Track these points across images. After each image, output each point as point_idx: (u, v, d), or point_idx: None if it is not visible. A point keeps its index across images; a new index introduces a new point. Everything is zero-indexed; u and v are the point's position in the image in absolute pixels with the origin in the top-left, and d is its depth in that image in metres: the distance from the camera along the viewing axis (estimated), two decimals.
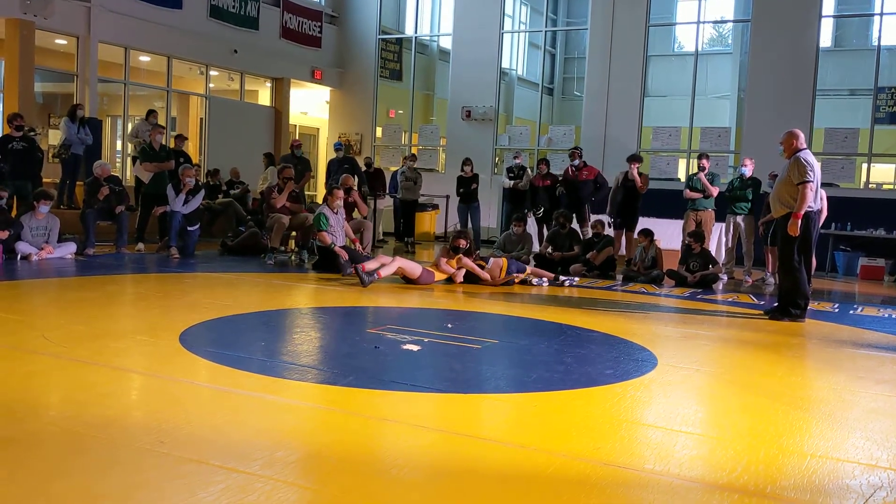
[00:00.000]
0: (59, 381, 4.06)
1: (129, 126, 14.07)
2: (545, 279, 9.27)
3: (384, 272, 8.19)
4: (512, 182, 12.66)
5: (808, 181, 6.90)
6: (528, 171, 12.94)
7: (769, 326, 6.96)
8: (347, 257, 8.98)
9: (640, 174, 11.20)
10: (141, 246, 10.56)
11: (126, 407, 3.67)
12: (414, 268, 8.42)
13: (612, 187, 11.48)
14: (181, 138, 12.87)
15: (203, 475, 2.78)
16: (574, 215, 11.37)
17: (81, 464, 2.84)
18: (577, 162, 12.02)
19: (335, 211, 9.37)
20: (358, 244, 9.57)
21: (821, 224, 10.06)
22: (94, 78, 13.42)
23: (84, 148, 12.01)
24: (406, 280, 8.46)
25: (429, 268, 8.57)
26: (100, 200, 10.03)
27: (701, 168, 10.95)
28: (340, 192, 9.53)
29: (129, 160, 14.18)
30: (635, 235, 10.88)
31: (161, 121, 13.96)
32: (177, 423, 3.37)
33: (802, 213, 6.93)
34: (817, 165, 7.19)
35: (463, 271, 8.73)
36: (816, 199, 7.10)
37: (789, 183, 7.02)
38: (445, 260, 8.66)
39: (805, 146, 7.18)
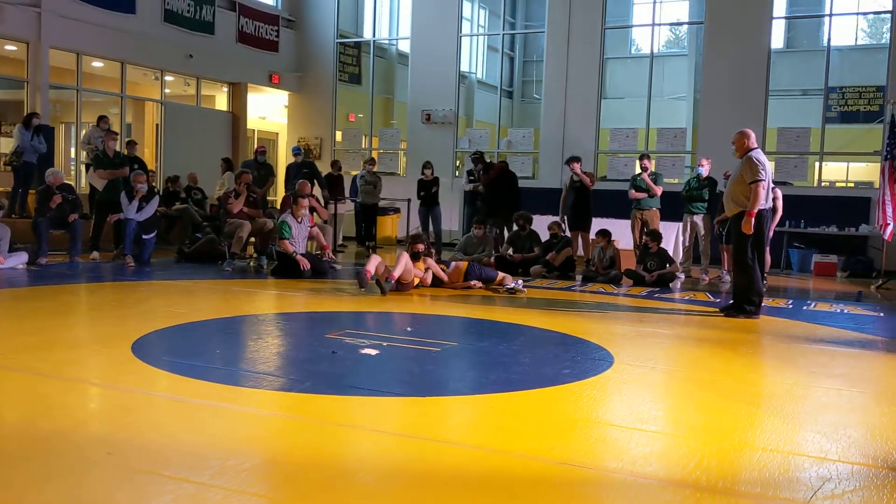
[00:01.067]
0: (8, 393, 3.97)
1: (83, 133, 13.84)
2: (514, 281, 9.12)
3: (397, 273, 8.14)
4: (472, 185, 12.68)
5: (761, 180, 7.01)
6: None
7: (725, 324, 7.06)
8: (309, 266, 8.92)
9: (584, 172, 11.34)
10: (95, 254, 10.38)
11: (75, 418, 3.60)
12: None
13: (563, 191, 11.59)
14: (132, 144, 12.68)
15: (152, 485, 2.73)
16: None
17: (28, 476, 2.78)
18: (479, 167, 12.11)
19: (299, 220, 9.30)
20: (329, 253, 9.43)
21: (776, 223, 10.27)
22: (46, 84, 13.16)
23: (37, 156, 11.78)
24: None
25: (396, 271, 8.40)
26: (52, 209, 9.84)
27: (643, 168, 11.12)
28: (305, 202, 9.43)
29: (82, 167, 13.93)
30: (592, 236, 10.98)
31: (115, 127, 13.74)
32: (127, 433, 3.32)
33: (756, 211, 7.04)
34: (769, 164, 7.31)
35: (430, 274, 8.71)
36: (768, 198, 7.22)
37: (742, 182, 7.13)
38: (414, 264, 8.58)
39: (756, 145, 7.30)
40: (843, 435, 3.67)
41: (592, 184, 11.36)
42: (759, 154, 7.18)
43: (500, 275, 9.12)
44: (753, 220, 7.04)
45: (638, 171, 11.31)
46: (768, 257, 10.31)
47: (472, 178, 12.80)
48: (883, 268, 11.42)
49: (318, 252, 9.63)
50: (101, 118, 12.45)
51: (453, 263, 9.11)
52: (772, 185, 7.59)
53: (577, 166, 11.30)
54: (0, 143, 14.26)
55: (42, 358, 4.66)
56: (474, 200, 12.75)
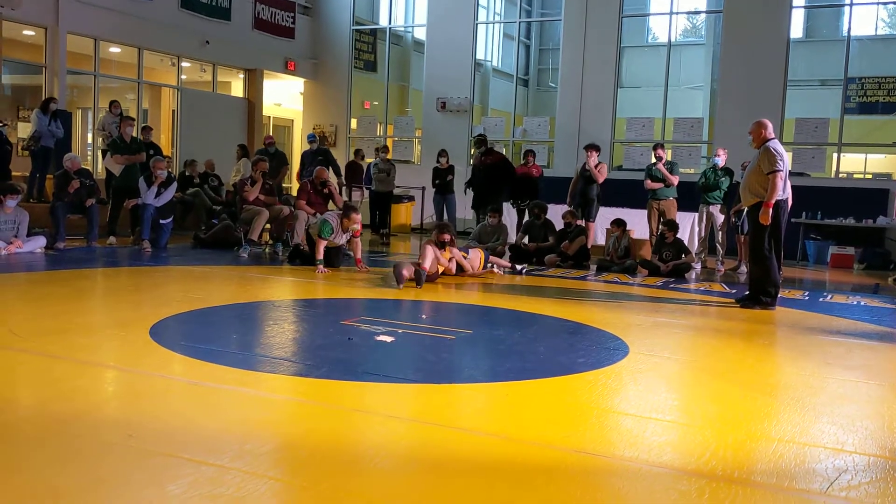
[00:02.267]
0: (27, 376, 4.01)
1: (99, 118, 13.92)
2: (504, 268, 9.35)
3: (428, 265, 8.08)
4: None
5: (779, 170, 6.97)
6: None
7: (740, 314, 7.03)
8: (326, 272, 8.63)
9: (597, 164, 11.30)
10: (112, 239, 10.46)
11: (94, 401, 3.64)
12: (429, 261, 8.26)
13: (573, 178, 11.59)
14: (147, 129, 12.74)
15: (172, 468, 2.76)
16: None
17: (47, 457, 2.81)
18: (482, 148, 12.23)
19: (344, 230, 8.87)
20: (362, 265, 9.05)
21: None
22: (64, 70, 13.24)
23: (55, 141, 11.86)
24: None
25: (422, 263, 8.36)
26: (70, 194, 9.91)
27: (658, 158, 11.06)
28: (357, 217, 8.91)
29: (99, 153, 14.02)
30: (608, 225, 10.95)
31: (132, 113, 13.82)
32: (146, 416, 3.35)
33: (773, 201, 6.99)
34: (786, 154, 7.26)
35: (455, 263, 8.69)
36: (786, 188, 7.18)
37: (759, 172, 7.09)
38: (440, 253, 8.53)
39: (773, 136, 7.25)
40: (860, 426, 3.66)
41: (602, 177, 11.30)
42: (776, 144, 7.13)
43: (491, 258, 9.26)
44: (771, 210, 7.01)
45: (653, 160, 11.27)
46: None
47: None
48: None
49: (346, 243, 9.36)
50: (113, 103, 12.50)
51: (472, 251, 9.10)
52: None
53: (593, 156, 11.23)
54: (18, 128, 14.36)
55: (60, 341, 4.70)
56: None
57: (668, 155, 11.73)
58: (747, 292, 7.55)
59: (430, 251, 8.15)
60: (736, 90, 14.43)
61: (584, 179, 11.34)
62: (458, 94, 16.89)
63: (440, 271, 8.41)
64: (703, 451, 3.20)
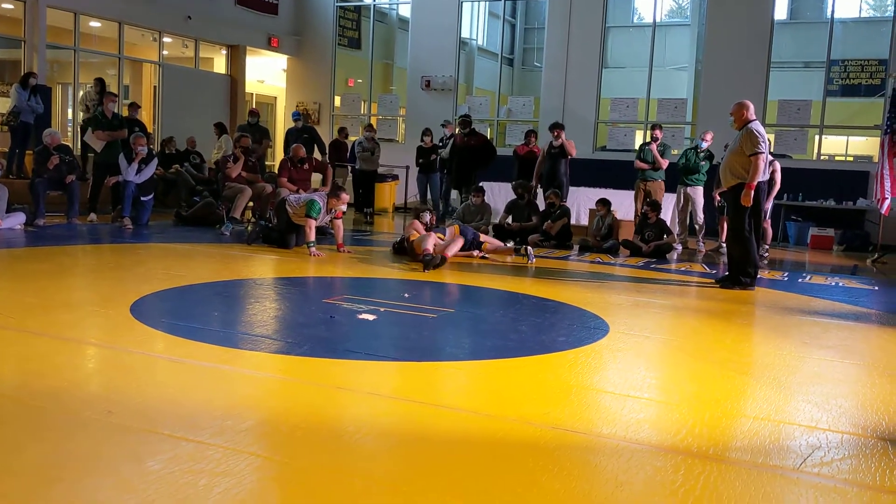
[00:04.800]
0: (8, 353, 3.99)
1: (80, 94, 13.76)
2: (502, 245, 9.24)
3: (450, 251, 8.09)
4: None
5: (761, 152, 7.00)
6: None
7: (720, 295, 7.10)
8: (321, 256, 8.53)
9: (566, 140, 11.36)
10: (93, 216, 10.38)
11: (75, 378, 3.63)
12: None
13: (539, 158, 11.59)
14: (134, 106, 12.61)
15: (151, 444, 2.77)
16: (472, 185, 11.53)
17: (28, 434, 2.82)
18: (467, 129, 12.26)
19: (329, 210, 8.71)
20: (343, 248, 8.98)
21: (773, 195, 10.27)
22: (43, 44, 13.05)
23: (34, 116, 11.72)
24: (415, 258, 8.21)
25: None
26: (50, 170, 9.81)
27: (654, 138, 11.08)
28: (346, 198, 8.79)
29: (79, 128, 13.87)
30: (591, 206, 10.98)
31: (114, 88, 13.67)
32: (127, 393, 3.35)
33: (755, 183, 7.03)
34: (766, 136, 7.30)
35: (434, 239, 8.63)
36: (766, 170, 7.22)
37: (740, 154, 7.11)
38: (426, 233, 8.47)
39: (755, 117, 7.28)
40: (834, 405, 3.72)
41: (573, 150, 11.40)
42: (758, 126, 7.16)
43: (484, 238, 9.16)
44: (752, 192, 7.05)
45: (648, 139, 11.26)
46: (770, 230, 10.35)
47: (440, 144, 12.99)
48: (879, 242, 11.46)
49: (328, 223, 9.28)
50: (98, 80, 12.38)
51: (448, 229, 9.07)
52: (770, 157, 7.57)
53: (561, 135, 11.30)
54: None
55: (41, 318, 4.68)
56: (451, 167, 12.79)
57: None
58: (727, 273, 7.61)
59: (432, 237, 8.09)
60: (720, 71, 14.44)
61: (550, 159, 11.35)
62: (442, 73, 16.80)
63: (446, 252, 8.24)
64: (680, 428, 3.24)
